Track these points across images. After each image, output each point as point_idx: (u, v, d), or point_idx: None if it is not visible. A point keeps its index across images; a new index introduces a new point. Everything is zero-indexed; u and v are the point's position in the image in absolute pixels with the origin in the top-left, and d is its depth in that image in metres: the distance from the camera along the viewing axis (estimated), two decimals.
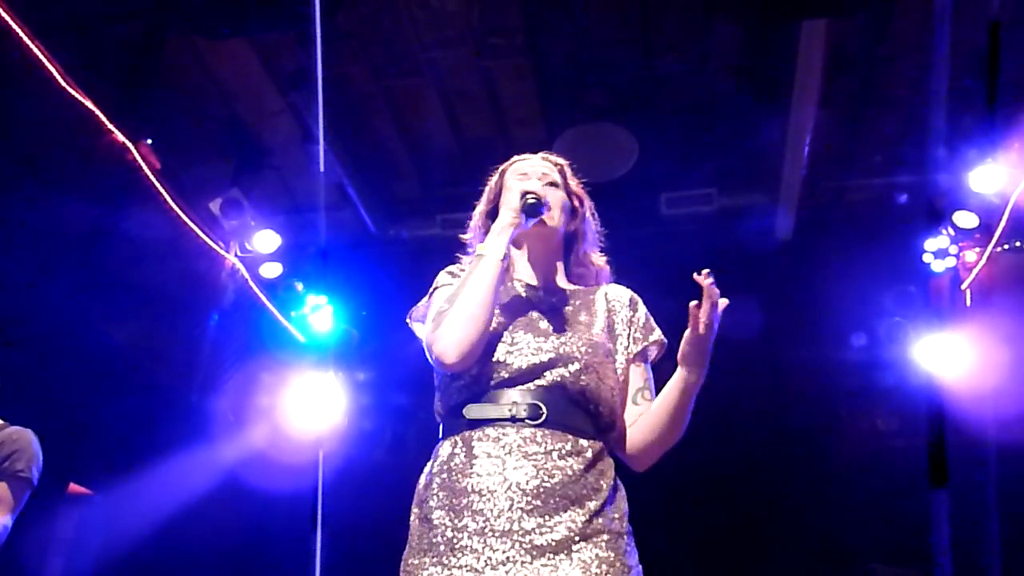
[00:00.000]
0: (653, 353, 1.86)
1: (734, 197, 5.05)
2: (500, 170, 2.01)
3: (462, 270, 1.87)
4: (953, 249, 4.62)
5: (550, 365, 1.67)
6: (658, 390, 1.77)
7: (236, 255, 5.00)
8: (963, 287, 4.59)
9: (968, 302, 4.58)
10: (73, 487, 4.67)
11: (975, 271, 4.54)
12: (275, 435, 5.01)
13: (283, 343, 5.20)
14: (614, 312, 1.84)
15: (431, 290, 1.88)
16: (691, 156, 4.77)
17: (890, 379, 4.75)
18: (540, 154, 2.01)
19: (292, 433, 5.00)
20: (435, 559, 1.55)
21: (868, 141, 4.83)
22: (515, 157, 2.03)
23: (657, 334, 1.85)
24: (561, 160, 2.01)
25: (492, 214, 1.93)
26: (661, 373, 1.80)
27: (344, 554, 4.71)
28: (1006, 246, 4.45)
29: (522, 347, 1.69)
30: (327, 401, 4.98)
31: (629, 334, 1.82)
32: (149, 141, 4.26)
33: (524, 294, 1.83)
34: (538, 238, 1.89)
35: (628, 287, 1.96)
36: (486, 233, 1.84)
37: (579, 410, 1.66)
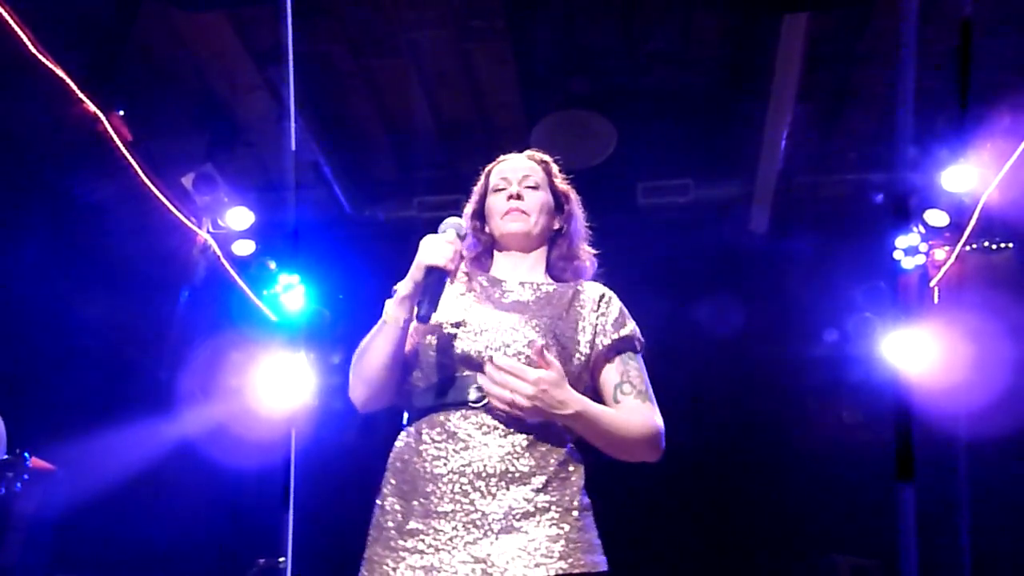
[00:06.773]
0: (629, 347, 1.81)
1: (710, 189, 5.07)
2: (485, 171, 2.00)
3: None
4: (923, 247, 4.70)
5: (493, 349, 1.67)
6: None
7: (208, 231, 4.94)
8: (932, 284, 4.66)
9: (936, 299, 4.65)
10: (36, 462, 4.59)
11: (944, 269, 4.62)
12: (244, 414, 4.97)
13: (254, 321, 5.16)
14: (582, 307, 1.81)
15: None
16: (669, 146, 4.78)
17: (858, 373, 4.81)
18: (526, 152, 2.00)
19: (261, 412, 4.96)
20: (385, 544, 1.62)
21: (844, 138, 4.87)
22: (501, 157, 2.00)
23: (627, 329, 1.81)
24: (547, 157, 2.00)
25: (478, 215, 1.97)
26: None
27: (314, 531, 4.70)
28: (975, 245, 4.52)
29: (468, 335, 1.71)
30: (297, 381, 4.94)
31: (596, 330, 1.78)
32: (121, 112, 4.18)
33: (489, 288, 1.85)
34: (514, 238, 1.90)
35: (604, 278, 1.95)
36: (475, 235, 1.94)
37: None
